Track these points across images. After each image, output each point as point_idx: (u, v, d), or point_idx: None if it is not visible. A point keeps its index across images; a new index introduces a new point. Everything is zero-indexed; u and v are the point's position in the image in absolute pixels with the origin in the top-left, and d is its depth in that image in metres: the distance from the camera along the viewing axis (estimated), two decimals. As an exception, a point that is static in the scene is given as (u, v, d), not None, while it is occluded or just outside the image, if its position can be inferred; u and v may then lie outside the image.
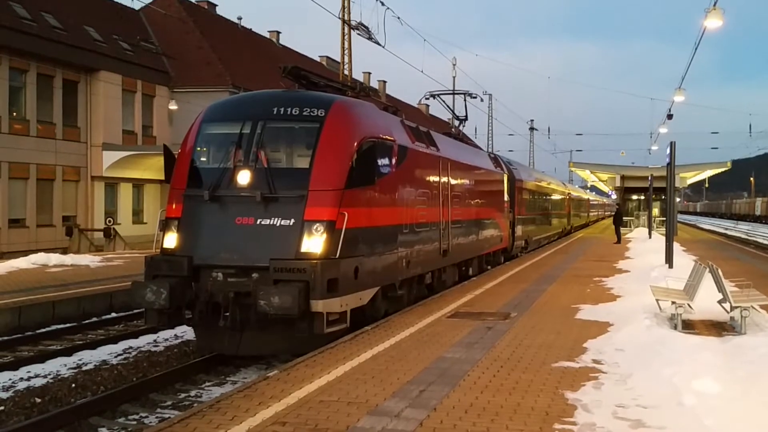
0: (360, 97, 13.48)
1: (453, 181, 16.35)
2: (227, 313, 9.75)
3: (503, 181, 23.57)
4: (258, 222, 10.16)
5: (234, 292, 9.80)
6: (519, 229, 26.61)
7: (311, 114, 10.84)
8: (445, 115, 24.06)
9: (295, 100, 11.15)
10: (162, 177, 11.89)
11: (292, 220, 10.12)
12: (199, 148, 11.19)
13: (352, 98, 12.69)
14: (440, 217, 15.18)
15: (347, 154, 10.71)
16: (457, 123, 22.74)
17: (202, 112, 11.86)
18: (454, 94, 23.24)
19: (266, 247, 9.97)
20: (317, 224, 10.07)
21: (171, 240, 10.55)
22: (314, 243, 10.03)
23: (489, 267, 21.43)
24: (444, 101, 21.52)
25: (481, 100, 24.77)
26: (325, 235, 10.05)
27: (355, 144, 10.89)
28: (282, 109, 10.91)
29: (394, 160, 12.24)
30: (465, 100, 22.57)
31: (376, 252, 11.46)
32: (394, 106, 15.19)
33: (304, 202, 10.17)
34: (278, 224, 10.12)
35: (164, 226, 10.75)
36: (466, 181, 18.02)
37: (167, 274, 10.10)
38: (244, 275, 10.00)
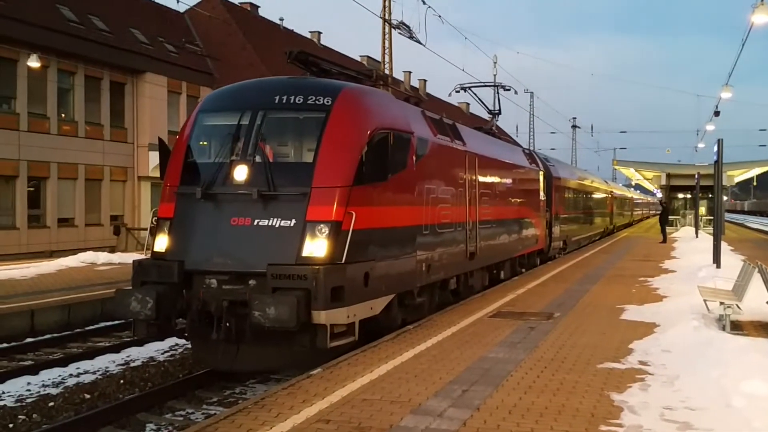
0: (377, 86, 12.42)
1: (481, 178, 15.25)
2: (227, 324, 8.88)
3: (539, 178, 22.42)
4: (255, 223, 9.22)
5: (228, 301, 8.90)
6: (557, 230, 25.49)
7: (316, 103, 9.85)
8: (486, 114, 23.58)
9: (299, 88, 10.17)
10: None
11: (293, 221, 9.13)
12: (194, 141, 10.29)
13: (365, 86, 11.62)
14: (466, 217, 14.11)
15: (356, 147, 9.69)
16: (489, 117, 22.03)
17: (200, 101, 11.10)
18: (485, 86, 21.85)
19: (264, 250, 9.02)
20: (321, 225, 9.08)
21: (162, 243, 9.65)
22: (317, 246, 9.03)
23: (523, 270, 20.36)
24: (476, 94, 20.63)
25: (515, 92, 23.86)
26: (329, 238, 9.04)
27: (366, 136, 9.87)
28: (285, 98, 9.96)
29: (411, 154, 11.16)
30: (497, 92, 21.79)
31: (390, 256, 10.42)
32: (416, 96, 14.53)
33: (307, 200, 9.18)
34: (277, 225, 9.15)
35: (156, 228, 9.90)
36: (497, 179, 16.93)
37: (156, 281, 9.23)
38: (240, 282, 9.10)
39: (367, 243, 9.69)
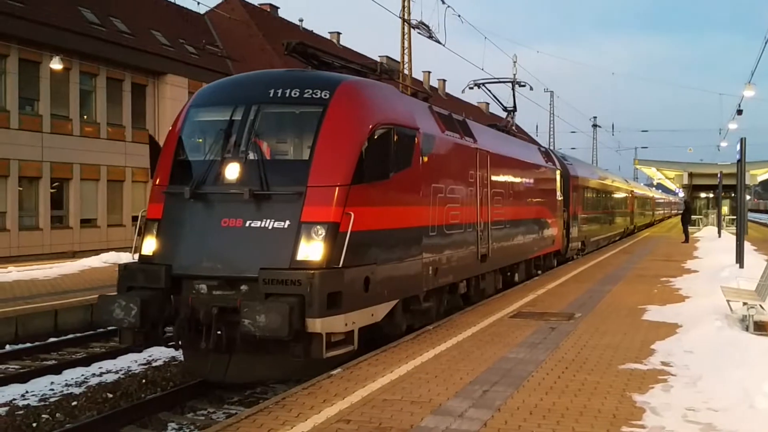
0: (382, 80, 11.68)
1: (494, 177, 14.61)
2: (218, 332, 8.38)
3: (556, 177, 21.64)
4: (247, 224, 8.65)
5: (218, 308, 8.37)
6: (574, 230, 24.84)
7: (313, 96, 9.28)
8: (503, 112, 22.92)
9: (295, 81, 9.62)
10: None
11: (287, 222, 8.55)
12: (184, 138, 9.75)
13: (366, 79, 10.96)
14: (477, 218, 13.46)
15: (355, 144, 9.08)
16: (505, 114, 21.53)
17: (192, 96, 10.53)
18: (499, 82, 21.02)
19: (256, 254, 8.48)
20: (317, 226, 8.51)
21: (149, 245, 9.12)
22: (313, 249, 8.45)
23: (539, 272, 19.69)
24: (490, 91, 20.13)
25: (531, 88, 23.23)
26: (326, 240, 8.47)
27: (366, 131, 9.26)
28: (280, 92, 9.38)
29: (416, 151, 10.52)
30: (512, 89, 21.15)
31: (394, 259, 9.84)
32: (425, 92, 13.71)
33: (302, 200, 8.62)
34: (270, 227, 8.58)
35: (144, 229, 9.33)
36: (510, 177, 16.24)
37: (143, 286, 8.74)
38: (231, 288, 8.57)
39: (368, 245, 9.17)
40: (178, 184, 9.14)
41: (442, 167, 11.75)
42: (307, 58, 10.82)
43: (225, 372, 8.74)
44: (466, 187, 12.90)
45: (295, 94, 9.37)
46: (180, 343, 8.79)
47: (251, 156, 8.99)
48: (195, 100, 10.19)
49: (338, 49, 56.68)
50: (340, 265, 8.48)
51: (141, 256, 9.21)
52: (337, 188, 8.74)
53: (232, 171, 8.92)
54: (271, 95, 9.41)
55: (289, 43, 10.42)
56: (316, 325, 8.11)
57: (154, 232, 9.14)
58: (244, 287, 8.52)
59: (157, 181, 9.56)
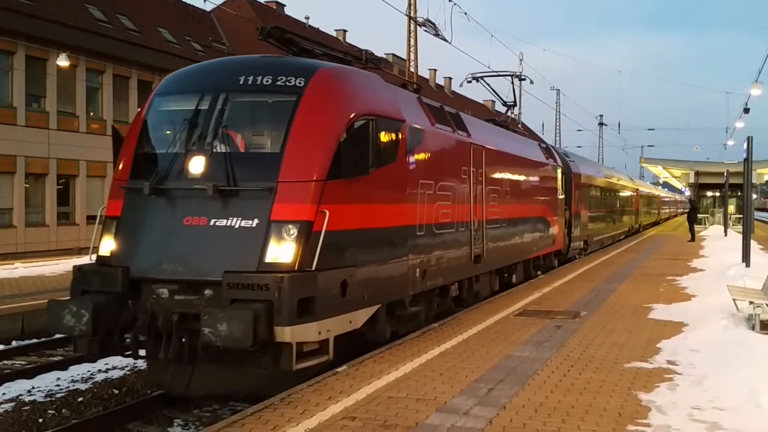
0: (367, 69, 10.85)
1: (489, 174, 13.83)
2: (181, 340, 7.72)
3: (557, 175, 20.82)
4: (212, 223, 7.94)
5: (179, 314, 7.66)
6: (577, 229, 24.14)
7: (287, 84, 8.57)
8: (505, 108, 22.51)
9: (267, 68, 8.89)
10: None
11: (256, 221, 7.86)
12: (147, 129, 8.98)
13: (348, 66, 10.19)
14: (470, 216, 12.70)
15: (331, 135, 8.38)
16: (504, 109, 20.97)
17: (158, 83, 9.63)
18: (498, 75, 20.27)
19: (221, 255, 7.78)
20: (288, 225, 7.82)
21: (107, 245, 8.42)
22: (283, 250, 7.76)
23: (539, 273, 18.90)
24: (489, 85, 19.54)
25: (531, 82, 23.04)
26: (298, 240, 7.78)
27: (344, 122, 8.58)
28: (250, 79, 8.65)
29: (401, 145, 9.80)
30: (512, 82, 20.85)
31: (375, 260, 9.14)
32: (416, 83, 13.07)
33: (272, 196, 7.92)
34: (237, 226, 7.88)
35: (102, 228, 8.67)
36: (507, 174, 15.42)
37: (98, 290, 8.05)
38: (194, 292, 7.87)
39: (345, 246, 8.48)
40: (138, 179, 8.46)
41: (432, 162, 11.00)
42: (285, 44, 10.09)
43: (188, 384, 8.10)
44: (458, 184, 12.19)
45: (267, 81, 8.65)
46: (138, 352, 8.15)
47: (218, 148, 8.32)
48: (160, 88, 9.41)
49: (343, 45, 56.64)
50: (314, 268, 7.81)
51: (98, 257, 8.54)
52: (310, 184, 8.06)
53: (197, 165, 8.22)
54: (241, 83, 8.69)
55: (264, 27, 9.69)
56: (285, 333, 7.43)
57: (113, 231, 8.44)
58: (208, 292, 7.84)
59: (117, 175, 8.90)
